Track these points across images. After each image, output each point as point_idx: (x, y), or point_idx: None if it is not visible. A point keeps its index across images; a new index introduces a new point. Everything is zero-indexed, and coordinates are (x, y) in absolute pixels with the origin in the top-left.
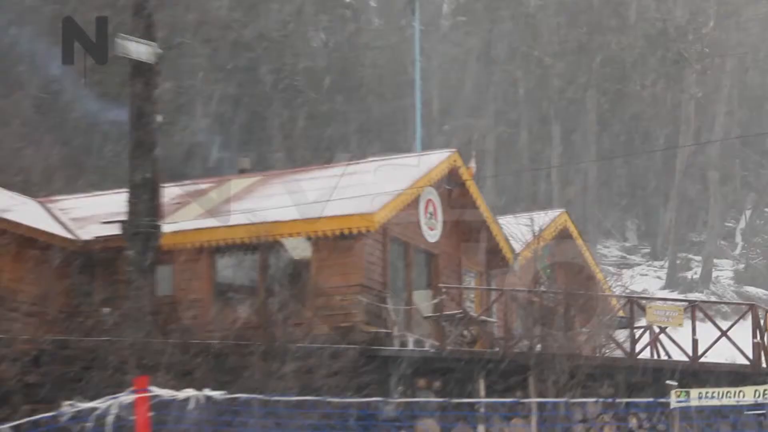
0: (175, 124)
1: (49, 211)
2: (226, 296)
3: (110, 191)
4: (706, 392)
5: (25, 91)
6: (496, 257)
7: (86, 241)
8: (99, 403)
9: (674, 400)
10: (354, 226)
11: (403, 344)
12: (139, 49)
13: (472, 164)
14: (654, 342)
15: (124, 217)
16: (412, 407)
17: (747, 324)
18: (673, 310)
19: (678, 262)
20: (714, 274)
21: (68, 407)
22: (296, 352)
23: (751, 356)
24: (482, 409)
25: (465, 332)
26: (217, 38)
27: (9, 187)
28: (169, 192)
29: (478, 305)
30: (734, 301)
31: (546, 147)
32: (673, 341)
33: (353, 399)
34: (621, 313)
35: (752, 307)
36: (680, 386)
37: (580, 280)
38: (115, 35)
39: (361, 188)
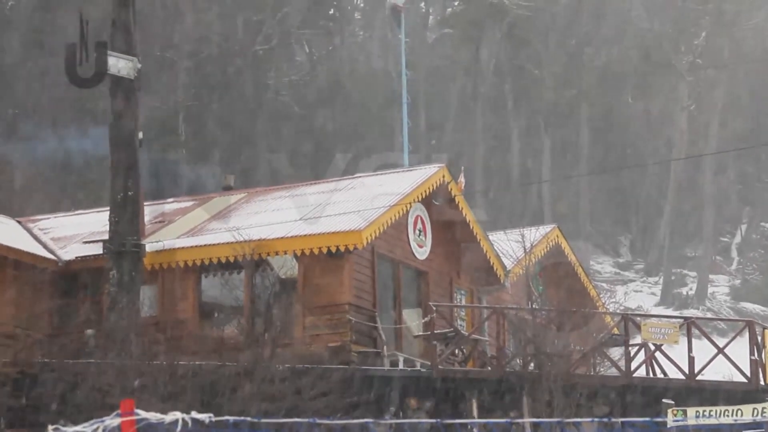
0: (157, 141)
1: (29, 230)
2: (211, 316)
3: (91, 210)
4: (704, 411)
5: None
6: (488, 274)
7: (68, 261)
8: (84, 427)
9: (671, 419)
10: (341, 244)
11: (394, 364)
12: (119, 64)
13: (461, 179)
14: (649, 360)
15: (106, 237)
16: (404, 428)
17: (744, 341)
18: (669, 327)
19: (673, 278)
20: (710, 290)
21: (53, 431)
22: (284, 372)
23: (748, 374)
24: (475, 430)
25: (456, 351)
26: (200, 53)
27: None
28: (152, 210)
29: (470, 323)
30: (731, 318)
31: (536, 161)
32: (669, 359)
33: (343, 420)
34: (615, 331)
35: (749, 324)
36: (677, 405)
37: (573, 297)
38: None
39: (347, 205)
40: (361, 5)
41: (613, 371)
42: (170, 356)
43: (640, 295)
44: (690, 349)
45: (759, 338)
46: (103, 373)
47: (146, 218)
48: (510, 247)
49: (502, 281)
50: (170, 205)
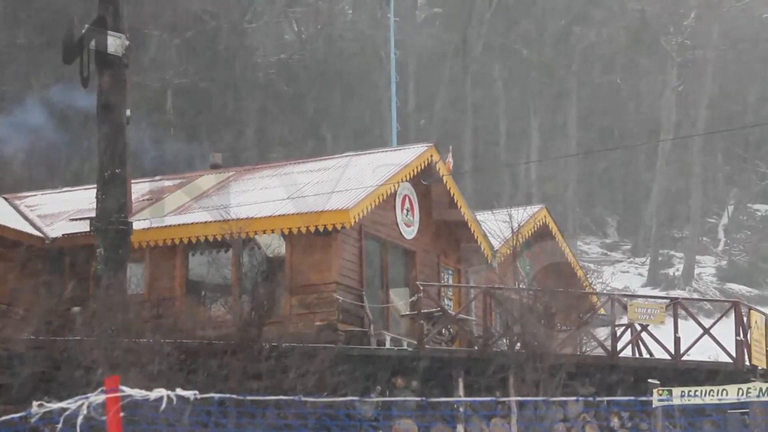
0: (144, 118)
1: (15, 207)
2: (198, 294)
3: (79, 187)
4: (689, 391)
5: None
6: (475, 254)
7: (54, 239)
8: (69, 404)
9: (656, 398)
10: (329, 223)
11: (381, 343)
12: (107, 41)
13: (449, 159)
14: (635, 340)
15: (93, 214)
16: (390, 407)
17: (730, 321)
18: (655, 307)
19: (659, 258)
20: (696, 270)
21: (38, 407)
22: (271, 351)
23: (734, 354)
24: (461, 409)
25: (443, 331)
26: (188, 30)
27: None
28: (140, 188)
29: (457, 303)
30: (717, 299)
31: (525, 141)
32: (655, 339)
33: (330, 398)
34: (602, 311)
35: (735, 305)
36: (662, 385)
37: (560, 277)
38: (82, 27)
39: (336, 183)
40: None
41: (599, 351)
42: (156, 334)
43: (626, 276)
44: (676, 330)
45: (744, 319)
46: (89, 350)
47: (133, 196)
48: (497, 227)
49: (489, 261)
50: (158, 183)
